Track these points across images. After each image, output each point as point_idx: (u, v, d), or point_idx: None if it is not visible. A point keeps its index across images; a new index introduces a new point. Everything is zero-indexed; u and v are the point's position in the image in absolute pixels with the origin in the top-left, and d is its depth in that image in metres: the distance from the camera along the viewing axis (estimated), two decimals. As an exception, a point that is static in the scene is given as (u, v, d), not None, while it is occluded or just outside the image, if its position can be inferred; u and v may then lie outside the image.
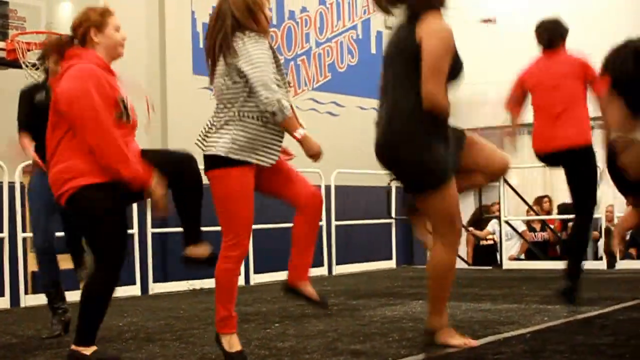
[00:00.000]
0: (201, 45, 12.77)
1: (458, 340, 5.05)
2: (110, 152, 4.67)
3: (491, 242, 14.69)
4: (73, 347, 4.83)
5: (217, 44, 4.82)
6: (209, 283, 10.46)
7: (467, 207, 20.12)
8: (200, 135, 4.94)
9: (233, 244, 4.91)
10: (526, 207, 14.90)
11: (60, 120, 4.77)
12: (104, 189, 4.73)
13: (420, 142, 4.84)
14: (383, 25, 15.27)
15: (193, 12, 12.84)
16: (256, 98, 4.72)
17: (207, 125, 4.93)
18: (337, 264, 12.26)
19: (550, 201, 14.73)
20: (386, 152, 5.01)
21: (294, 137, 4.88)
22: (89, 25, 4.92)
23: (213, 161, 4.81)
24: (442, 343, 5.05)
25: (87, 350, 4.79)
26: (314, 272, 11.92)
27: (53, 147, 4.81)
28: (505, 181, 12.81)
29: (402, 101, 4.89)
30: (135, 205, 8.92)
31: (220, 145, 4.76)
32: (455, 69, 4.88)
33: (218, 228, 4.89)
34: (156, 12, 12.40)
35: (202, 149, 4.88)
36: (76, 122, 4.66)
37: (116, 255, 4.80)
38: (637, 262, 11.03)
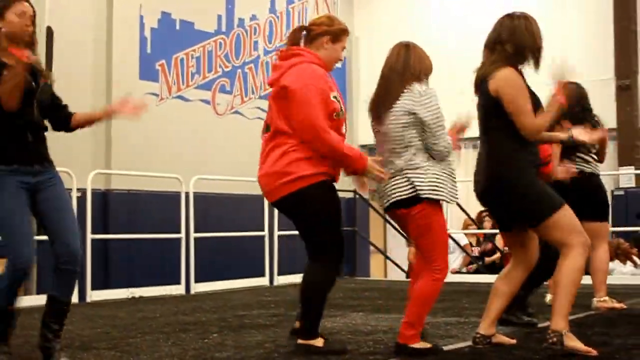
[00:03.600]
0: (149, 51, 12.69)
1: (581, 345, 5.08)
2: None
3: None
4: (301, 341, 5.28)
5: None
6: (150, 291, 10.38)
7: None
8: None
9: (442, 268, 5.29)
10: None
11: None
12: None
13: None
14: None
15: (141, 17, 12.73)
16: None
17: None
18: (280, 274, 12.21)
19: (490, 216, 14.77)
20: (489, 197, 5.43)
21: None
22: None
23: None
24: (569, 347, 5.06)
25: (318, 342, 5.27)
26: (254, 282, 11.91)
27: None
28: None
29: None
30: (76, 210, 8.76)
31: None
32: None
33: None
34: (104, 16, 12.27)
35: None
36: None
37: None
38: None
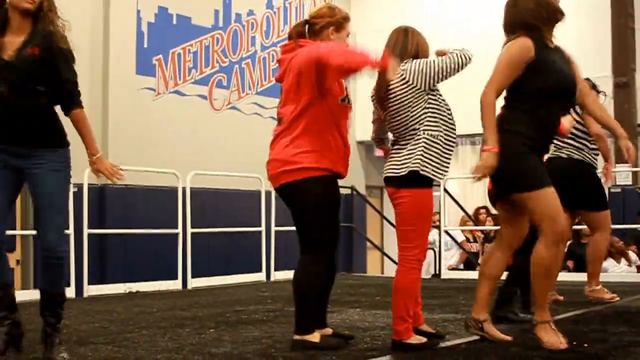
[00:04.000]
0: (146, 45, 12.69)
1: (552, 338, 5.22)
2: None
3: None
4: (297, 336, 5.29)
5: None
6: (147, 286, 10.39)
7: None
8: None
9: (421, 255, 5.35)
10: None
11: None
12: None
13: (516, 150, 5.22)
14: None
15: (138, 12, 12.74)
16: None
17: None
18: (276, 270, 12.22)
19: (488, 212, 14.82)
20: None
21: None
22: None
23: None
24: (537, 337, 5.25)
25: (314, 337, 5.28)
26: (251, 278, 11.92)
27: None
28: (446, 191, 12.87)
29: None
30: (71, 204, 8.76)
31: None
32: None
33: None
34: (101, 10, 12.28)
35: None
36: None
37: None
38: (573, 275, 11.12)
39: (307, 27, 5.49)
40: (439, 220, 13.12)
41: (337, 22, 5.47)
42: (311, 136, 5.26)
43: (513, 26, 5.37)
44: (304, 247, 5.37)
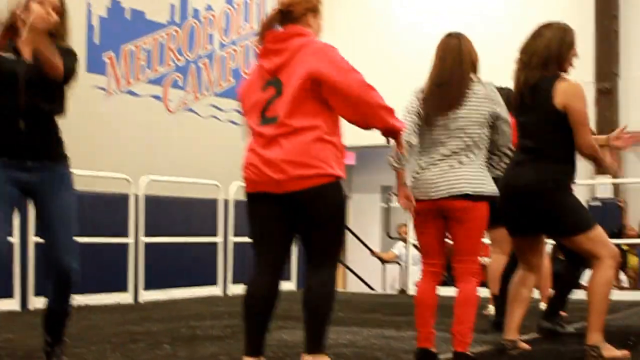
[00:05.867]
0: (97, 41, 12.71)
1: (618, 352, 5.90)
2: None
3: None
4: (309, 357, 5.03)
5: None
6: (95, 299, 10.41)
7: (372, 227, 20.39)
8: None
9: (478, 265, 5.78)
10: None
11: None
12: None
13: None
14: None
15: (89, 4, 12.76)
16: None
17: None
18: (234, 282, 12.28)
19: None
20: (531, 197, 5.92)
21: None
22: None
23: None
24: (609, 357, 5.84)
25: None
26: (207, 291, 11.98)
27: None
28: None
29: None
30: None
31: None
32: None
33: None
34: (48, 4, 12.28)
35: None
36: None
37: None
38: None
39: (282, 16, 5.22)
40: (406, 233, 13.24)
41: (314, 7, 5.30)
42: (328, 139, 5.00)
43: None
44: (318, 259, 5.04)
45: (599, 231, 5.91)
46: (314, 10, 5.30)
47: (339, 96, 4.91)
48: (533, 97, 5.86)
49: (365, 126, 5.02)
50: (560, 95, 5.78)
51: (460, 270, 5.70)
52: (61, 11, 5.27)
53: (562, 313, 8.05)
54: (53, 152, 5.17)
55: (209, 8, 14.87)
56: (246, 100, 5.13)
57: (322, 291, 5.03)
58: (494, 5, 16.20)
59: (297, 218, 4.95)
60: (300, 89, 4.91)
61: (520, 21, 14.57)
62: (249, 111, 5.09)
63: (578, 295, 7.56)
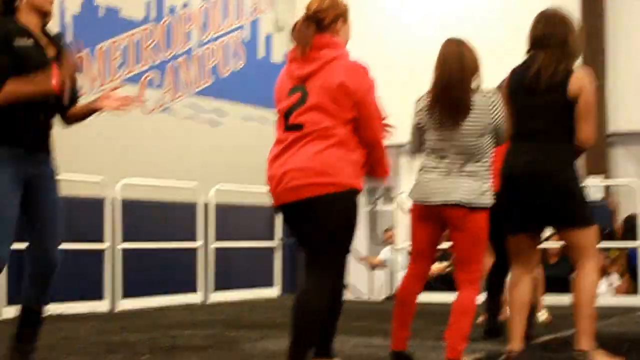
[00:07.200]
0: (70, 39, 12.62)
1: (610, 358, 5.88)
2: None
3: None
4: None
5: None
6: (71, 308, 10.33)
7: (358, 230, 20.36)
8: None
9: (480, 273, 5.92)
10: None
11: None
12: None
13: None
14: (273, 27, 15.36)
15: (62, 2, 12.69)
16: None
17: None
18: (215, 289, 12.23)
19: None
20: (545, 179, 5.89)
21: None
22: None
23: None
24: None
25: None
26: (186, 299, 11.91)
27: None
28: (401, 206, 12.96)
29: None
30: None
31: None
32: None
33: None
34: (19, 1, 12.20)
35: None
36: None
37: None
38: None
39: (312, 22, 5.28)
40: (391, 238, 13.20)
41: (344, 12, 5.40)
42: (348, 148, 5.15)
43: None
44: (321, 266, 5.18)
45: (596, 230, 5.98)
46: (343, 16, 5.41)
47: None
48: (550, 80, 5.87)
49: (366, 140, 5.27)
50: (576, 83, 5.85)
51: (460, 279, 5.81)
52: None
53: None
54: (51, 146, 5.42)
55: (186, 5, 14.79)
56: (278, 105, 5.31)
57: (313, 294, 5.17)
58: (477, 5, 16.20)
59: (310, 224, 5.12)
60: (325, 99, 5.10)
61: (505, 16, 14.66)
62: (279, 117, 5.30)
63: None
